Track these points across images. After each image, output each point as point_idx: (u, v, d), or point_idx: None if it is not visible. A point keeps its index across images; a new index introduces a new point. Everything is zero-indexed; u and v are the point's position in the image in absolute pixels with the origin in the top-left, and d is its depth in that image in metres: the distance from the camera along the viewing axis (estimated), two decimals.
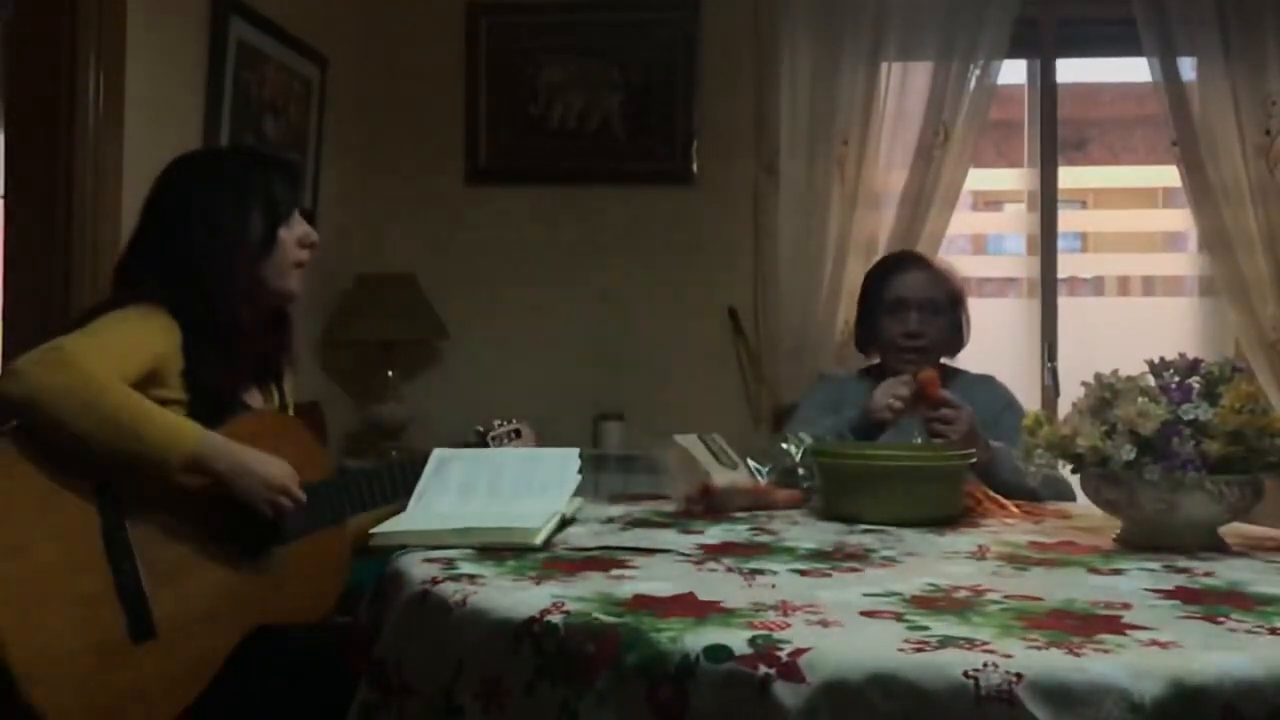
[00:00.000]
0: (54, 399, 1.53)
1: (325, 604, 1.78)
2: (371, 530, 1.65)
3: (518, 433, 2.06)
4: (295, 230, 1.86)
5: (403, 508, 1.78)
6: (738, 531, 1.79)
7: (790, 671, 1.05)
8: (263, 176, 1.85)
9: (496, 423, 2.05)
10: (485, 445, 2.01)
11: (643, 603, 1.26)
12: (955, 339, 2.60)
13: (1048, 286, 3.72)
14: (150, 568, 1.58)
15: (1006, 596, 1.31)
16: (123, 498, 1.59)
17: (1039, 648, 1.09)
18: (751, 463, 2.14)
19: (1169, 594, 1.35)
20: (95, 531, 1.55)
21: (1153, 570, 1.49)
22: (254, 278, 1.81)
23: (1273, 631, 1.17)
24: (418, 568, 1.46)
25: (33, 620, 1.47)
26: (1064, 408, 1.81)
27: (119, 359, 1.62)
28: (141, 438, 1.56)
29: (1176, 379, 1.68)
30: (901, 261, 2.67)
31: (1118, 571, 1.49)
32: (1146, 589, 1.37)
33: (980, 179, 4.10)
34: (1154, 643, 1.11)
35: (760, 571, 1.45)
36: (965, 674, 1.03)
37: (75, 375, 1.55)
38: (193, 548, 1.64)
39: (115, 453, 1.56)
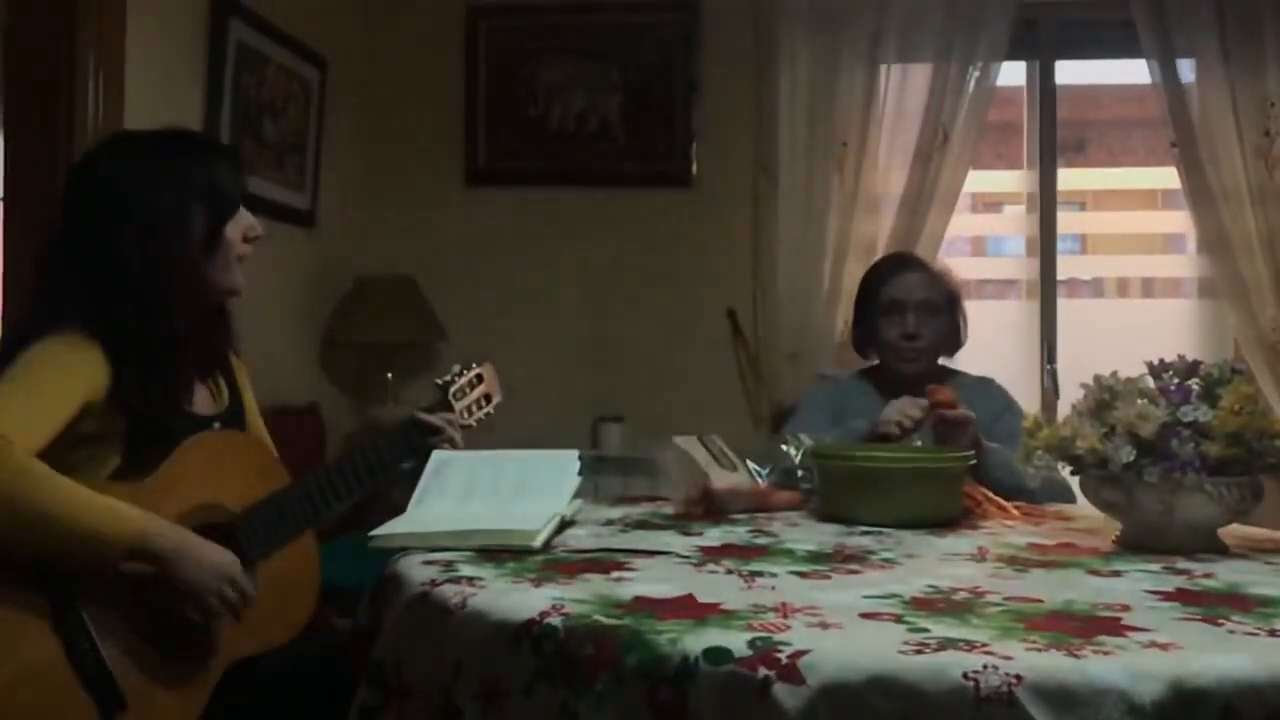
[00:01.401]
0: None
1: (302, 615, 1.69)
2: (371, 533, 1.65)
3: (479, 378, 1.95)
4: (241, 224, 1.69)
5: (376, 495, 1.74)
6: (737, 533, 1.79)
7: (790, 673, 1.05)
8: (205, 165, 1.67)
9: (456, 369, 1.93)
10: (447, 400, 1.90)
11: (642, 605, 1.26)
12: (953, 339, 2.60)
13: (1047, 288, 3.72)
14: (109, 639, 1.46)
15: (1006, 598, 1.31)
16: (64, 575, 1.45)
17: (1039, 649, 1.09)
18: (751, 464, 2.14)
19: (1168, 596, 1.35)
20: (44, 616, 1.43)
21: (1152, 572, 1.50)
22: (196, 279, 1.64)
23: (1272, 633, 1.17)
24: (417, 569, 1.46)
25: None
26: (1063, 409, 1.81)
27: (44, 421, 1.47)
28: (79, 536, 1.41)
29: (1176, 381, 1.68)
30: (897, 263, 2.67)
31: (1117, 573, 1.49)
32: (1146, 591, 1.37)
33: (979, 181, 4.10)
34: (1154, 644, 1.12)
35: (760, 573, 1.45)
36: (965, 676, 1.03)
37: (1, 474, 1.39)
38: (149, 610, 1.51)
39: (52, 552, 1.42)
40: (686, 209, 3.79)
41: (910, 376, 2.48)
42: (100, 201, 1.62)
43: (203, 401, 1.74)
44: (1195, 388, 1.66)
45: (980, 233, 4.78)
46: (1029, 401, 3.08)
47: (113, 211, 1.61)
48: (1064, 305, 3.76)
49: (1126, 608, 1.27)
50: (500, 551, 1.57)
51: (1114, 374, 1.72)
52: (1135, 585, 1.41)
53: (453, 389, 1.91)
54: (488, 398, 1.97)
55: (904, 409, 2.21)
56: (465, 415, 1.92)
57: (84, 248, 1.61)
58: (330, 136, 3.58)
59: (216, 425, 1.73)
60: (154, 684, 1.50)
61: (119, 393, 1.57)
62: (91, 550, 1.43)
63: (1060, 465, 1.75)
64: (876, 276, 2.64)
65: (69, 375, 1.53)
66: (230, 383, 1.82)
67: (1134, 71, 3.60)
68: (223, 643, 1.58)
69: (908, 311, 2.50)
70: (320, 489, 1.71)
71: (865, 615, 1.23)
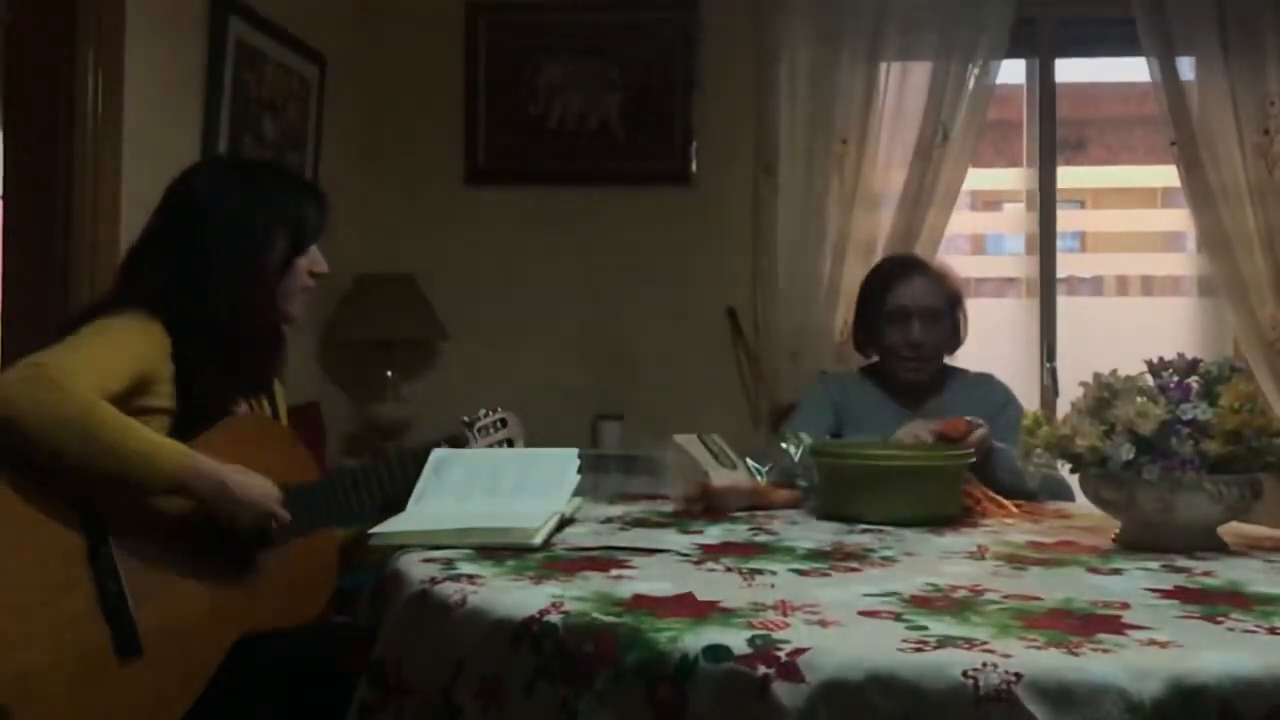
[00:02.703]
0: (34, 417, 1.47)
1: (313, 608, 1.75)
2: (371, 530, 1.65)
3: (504, 422, 2.03)
4: (311, 259, 1.84)
5: (395, 509, 1.76)
6: (737, 531, 1.79)
7: (789, 671, 1.06)
8: (296, 198, 1.83)
9: (482, 412, 2.03)
10: (472, 435, 1.99)
11: (642, 603, 1.26)
12: (954, 339, 2.60)
13: (1046, 286, 3.72)
14: (134, 584, 1.54)
15: (1005, 596, 1.31)
16: (104, 515, 1.54)
17: (1038, 647, 1.09)
18: (751, 462, 2.14)
19: (1168, 594, 1.35)
20: (78, 551, 1.51)
21: (1151, 570, 1.50)
22: (266, 294, 1.78)
23: (1271, 631, 1.17)
24: (417, 568, 1.46)
25: (18, 643, 1.43)
26: (1063, 407, 1.81)
27: (103, 373, 1.57)
28: (123, 459, 1.51)
29: (1175, 379, 1.68)
30: (903, 268, 2.63)
31: (1116, 571, 1.49)
32: (1145, 589, 1.38)
33: (979, 179, 4.10)
34: (1153, 642, 1.12)
35: (759, 571, 1.45)
36: (964, 674, 1.03)
37: (56, 393, 1.50)
38: (176, 562, 1.60)
39: (96, 473, 1.51)
40: (686, 208, 3.79)
41: (913, 379, 2.49)
42: (196, 209, 1.76)
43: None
44: (1195, 386, 1.66)
45: (980, 231, 4.79)
46: (1029, 399, 3.08)
47: (208, 218, 1.75)
48: (1064, 303, 3.76)
49: (1126, 606, 1.28)
50: (500, 549, 1.57)
51: (1113, 372, 1.72)
52: (1134, 583, 1.41)
53: (477, 426, 2.00)
54: (510, 443, 2.04)
55: (916, 432, 2.21)
56: None
57: (172, 247, 1.74)
58: (330, 135, 3.58)
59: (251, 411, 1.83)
60: (172, 635, 1.57)
61: (179, 370, 1.67)
62: (135, 471, 1.52)
63: (1060, 463, 1.75)
64: (881, 281, 2.61)
65: (127, 339, 1.64)
66: (273, 406, 1.93)
67: (1134, 70, 3.60)
68: (244, 608, 1.65)
69: (913, 319, 2.48)
70: (350, 488, 1.80)
71: (865, 613, 1.23)
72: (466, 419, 2.01)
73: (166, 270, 1.72)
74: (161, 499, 1.57)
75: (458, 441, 1.97)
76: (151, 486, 1.55)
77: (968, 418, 2.18)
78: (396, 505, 1.79)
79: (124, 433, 1.53)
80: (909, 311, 2.49)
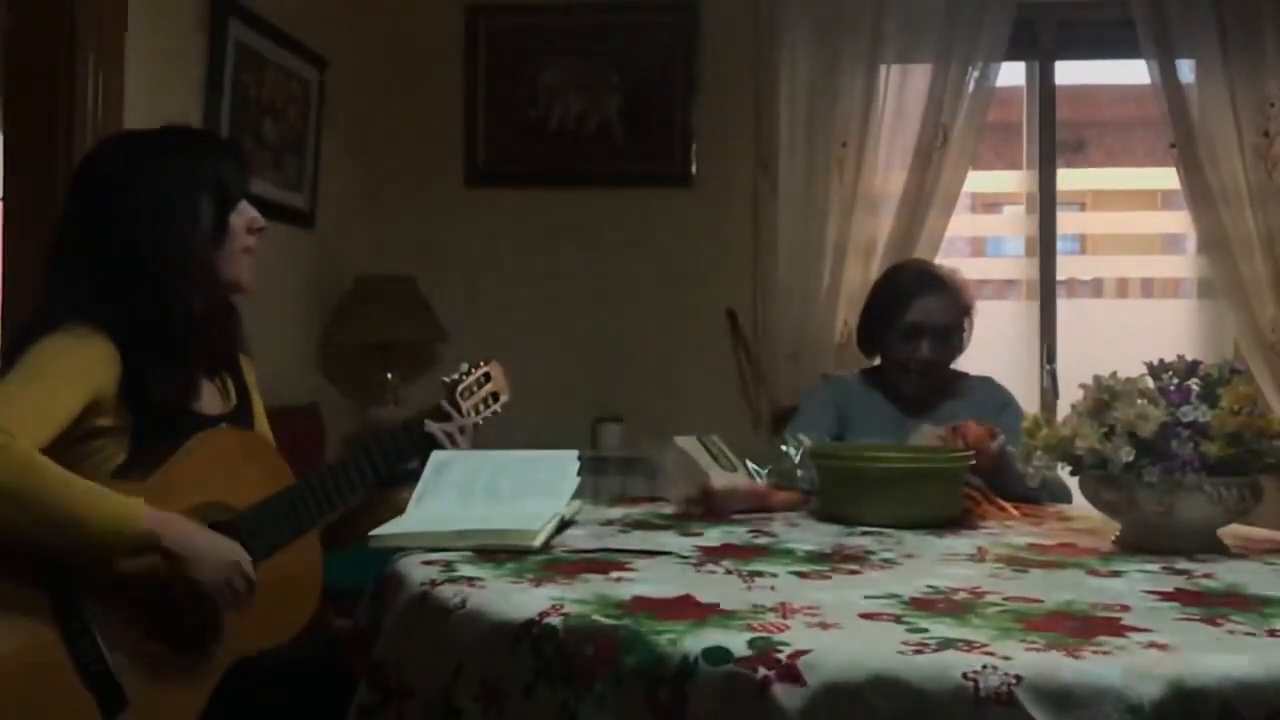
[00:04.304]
0: None
1: (297, 624, 1.69)
2: (371, 533, 1.65)
3: (487, 377, 1.96)
4: (244, 215, 1.72)
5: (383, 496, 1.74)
6: (737, 533, 1.79)
7: (789, 673, 1.05)
8: (211, 159, 1.70)
9: (464, 367, 1.93)
10: (455, 398, 1.90)
11: (642, 605, 1.26)
12: (959, 349, 2.58)
13: (1046, 288, 3.72)
14: (108, 636, 1.47)
15: (1006, 598, 1.31)
16: (69, 580, 1.46)
17: (1038, 650, 1.09)
18: (750, 464, 2.14)
19: (1168, 596, 1.35)
20: (46, 614, 1.43)
21: (1152, 572, 1.50)
22: (206, 268, 1.66)
23: (1271, 633, 1.17)
24: (417, 570, 1.46)
25: None
26: (1063, 410, 1.80)
27: (50, 417, 1.48)
28: (85, 529, 1.42)
29: (1175, 381, 1.68)
30: (920, 283, 2.52)
31: (1117, 573, 1.49)
32: (1145, 591, 1.38)
33: (979, 181, 4.10)
34: (1153, 644, 1.12)
35: (759, 573, 1.45)
36: (964, 676, 1.03)
37: (4, 465, 1.39)
38: (151, 608, 1.51)
39: (58, 547, 1.43)
40: (686, 209, 3.79)
41: (916, 394, 2.49)
42: (108, 196, 1.64)
43: (211, 401, 1.74)
44: (1195, 388, 1.66)
45: (980, 233, 4.79)
46: (1029, 402, 3.08)
47: (123, 205, 1.63)
48: (1063, 305, 3.76)
49: (1126, 608, 1.27)
50: (500, 551, 1.57)
51: (1113, 374, 1.72)
52: (1134, 585, 1.41)
53: (460, 387, 1.92)
54: (495, 396, 1.97)
55: (927, 440, 2.20)
56: (473, 413, 1.92)
57: (92, 243, 1.63)
58: (330, 137, 3.58)
59: (224, 425, 1.73)
60: (155, 682, 1.50)
61: (127, 387, 1.57)
62: (98, 543, 1.44)
63: (1060, 466, 1.75)
64: (895, 292, 2.53)
65: (76, 369, 1.54)
66: (239, 384, 1.82)
67: (1133, 72, 3.60)
68: (226, 638, 1.58)
69: (925, 337, 2.45)
70: (323, 489, 1.71)
71: (865, 615, 1.23)
72: (446, 380, 1.91)
73: (94, 272, 1.62)
74: (127, 561, 1.48)
75: (444, 406, 1.88)
76: (115, 548, 1.46)
77: (989, 426, 2.16)
78: (373, 491, 1.76)
79: (82, 500, 1.43)
80: (923, 330, 2.45)
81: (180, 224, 1.64)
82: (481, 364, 1.97)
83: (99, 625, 1.47)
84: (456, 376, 1.92)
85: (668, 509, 2.02)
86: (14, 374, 1.51)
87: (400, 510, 1.76)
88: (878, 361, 2.63)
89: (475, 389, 1.94)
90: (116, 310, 1.59)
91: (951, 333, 2.50)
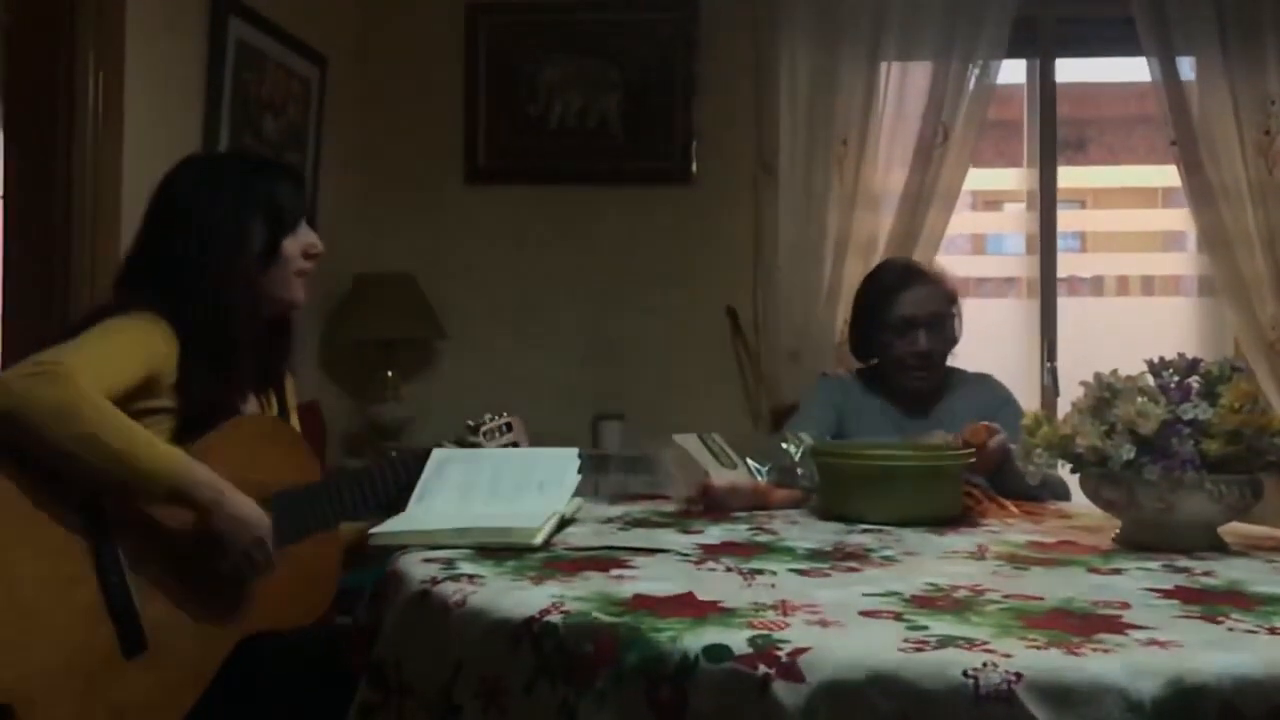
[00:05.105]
0: (39, 415, 1.46)
1: (317, 608, 1.74)
2: (371, 530, 1.65)
3: (509, 426, 2.03)
4: (301, 239, 1.80)
5: (395, 511, 1.76)
6: (737, 531, 1.79)
7: (790, 671, 1.05)
8: (265, 183, 1.79)
9: (488, 417, 2.02)
10: (477, 439, 1.98)
11: (642, 603, 1.26)
12: (953, 339, 2.58)
13: (1047, 286, 3.72)
14: (138, 581, 1.54)
15: (1006, 596, 1.31)
16: (107, 512, 1.54)
17: (1038, 647, 1.09)
18: (751, 462, 2.14)
19: (1168, 593, 1.35)
20: (81, 547, 1.51)
21: (1152, 570, 1.50)
22: (253, 290, 1.75)
23: (1272, 631, 1.17)
24: (417, 568, 1.46)
25: (23, 642, 1.43)
26: (1063, 407, 1.80)
27: (110, 372, 1.56)
28: (126, 464, 1.50)
29: (1175, 379, 1.68)
30: (904, 277, 2.55)
31: (1117, 571, 1.49)
32: (1146, 588, 1.38)
33: (979, 179, 4.09)
34: (1153, 642, 1.12)
35: (760, 571, 1.45)
36: (965, 674, 1.03)
37: (63, 391, 1.48)
38: (178, 561, 1.59)
39: (98, 474, 1.51)
40: (686, 207, 3.79)
41: (921, 387, 2.49)
42: (169, 214, 1.76)
43: (253, 410, 1.82)
44: (1195, 385, 1.66)
45: (980, 231, 4.79)
46: (1029, 399, 3.08)
47: (178, 223, 1.74)
48: (1064, 303, 3.76)
49: (1126, 605, 1.27)
50: (500, 549, 1.57)
51: (1114, 372, 1.72)
52: (1135, 583, 1.41)
53: (483, 430, 1.99)
54: (514, 446, 2.03)
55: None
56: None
57: (156, 257, 1.75)
58: (330, 135, 3.58)
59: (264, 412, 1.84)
60: (176, 633, 1.57)
61: (180, 374, 1.66)
62: (136, 476, 1.51)
63: (1060, 463, 1.75)
64: (881, 290, 2.55)
65: (140, 341, 1.64)
66: (280, 400, 1.90)
67: (1134, 69, 3.60)
68: (249, 599, 1.65)
69: (920, 328, 2.45)
70: (358, 489, 1.80)
71: (865, 613, 1.23)
72: (471, 423, 2.00)
73: (163, 278, 1.72)
74: (162, 507, 1.56)
75: (464, 446, 1.96)
76: (153, 492, 1.54)
77: (986, 423, 2.16)
78: (394, 508, 1.78)
79: (128, 437, 1.51)
80: (916, 321, 2.46)
81: (226, 247, 1.73)
82: (504, 414, 2.05)
83: (130, 563, 1.54)
84: (480, 420, 2.01)
85: (668, 507, 2.02)
86: (81, 338, 1.60)
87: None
88: (875, 362, 2.62)
89: (498, 434, 2.01)
90: (179, 309, 1.68)
91: (944, 321, 2.50)
